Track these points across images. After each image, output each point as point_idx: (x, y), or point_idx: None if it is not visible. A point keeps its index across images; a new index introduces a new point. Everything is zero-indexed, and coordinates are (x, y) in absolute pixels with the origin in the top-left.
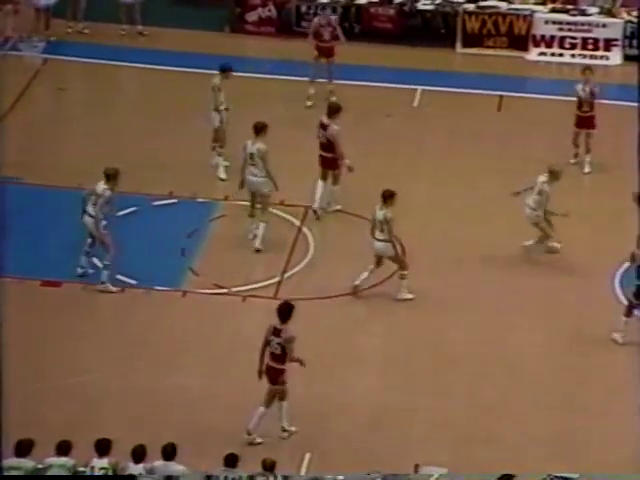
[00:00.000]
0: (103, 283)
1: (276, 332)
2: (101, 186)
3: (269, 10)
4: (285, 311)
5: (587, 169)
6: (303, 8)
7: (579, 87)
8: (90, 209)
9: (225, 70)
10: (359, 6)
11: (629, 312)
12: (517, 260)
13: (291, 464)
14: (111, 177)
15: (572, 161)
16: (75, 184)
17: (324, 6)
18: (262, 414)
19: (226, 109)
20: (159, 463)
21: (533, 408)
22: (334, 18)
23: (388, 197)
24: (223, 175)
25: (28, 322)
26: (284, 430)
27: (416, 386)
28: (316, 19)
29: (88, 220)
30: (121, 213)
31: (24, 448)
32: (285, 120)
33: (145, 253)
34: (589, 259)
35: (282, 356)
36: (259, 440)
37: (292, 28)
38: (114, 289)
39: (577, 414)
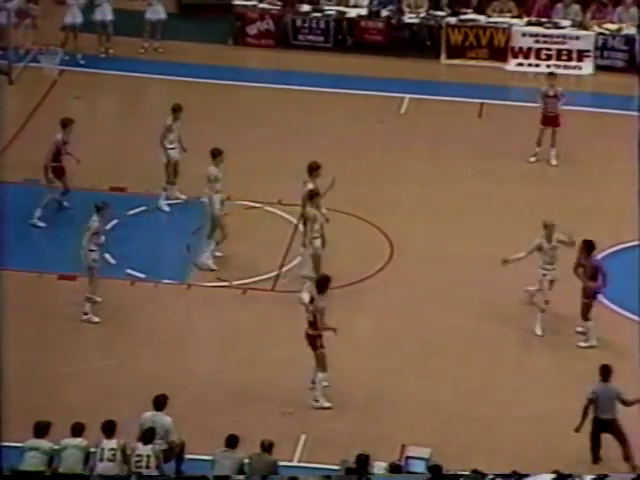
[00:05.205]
0: (86, 314)
1: (312, 300)
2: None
3: (267, 23)
4: (323, 283)
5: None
6: (298, 22)
7: (544, 89)
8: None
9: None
10: (350, 20)
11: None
12: (497, 254)
13: (287, 445)
14: (100, 209)
15: (532, 159)
16: (89, 185)
17: None
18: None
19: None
20: (148, 414)
21: (512, 392)
22: None
23: None
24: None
25: (46, 312)
26: (315, 400)
27: (404, 371)
28: None
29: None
30: (132, 212)
31: (42, 429)
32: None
33: (154, 249)
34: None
35: (314, 323)
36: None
37: (289, 41)
38: (96, 319)
39: (551, 397)
